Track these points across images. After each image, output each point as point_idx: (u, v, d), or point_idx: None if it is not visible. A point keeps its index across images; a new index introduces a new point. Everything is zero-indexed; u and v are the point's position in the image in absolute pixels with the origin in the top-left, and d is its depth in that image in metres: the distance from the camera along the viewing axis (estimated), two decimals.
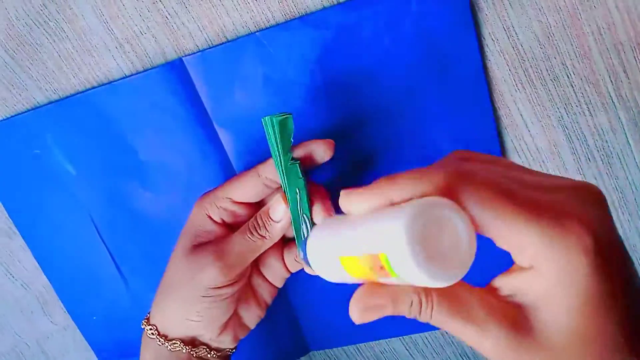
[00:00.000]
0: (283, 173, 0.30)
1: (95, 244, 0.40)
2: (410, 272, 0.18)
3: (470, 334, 0.21)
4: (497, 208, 0.19)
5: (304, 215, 0.32)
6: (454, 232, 0.19)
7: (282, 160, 0.30)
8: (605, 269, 0.19)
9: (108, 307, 0.42)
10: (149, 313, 0.35)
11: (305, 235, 0.32)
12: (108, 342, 0.43)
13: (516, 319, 0.20)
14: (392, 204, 0.20)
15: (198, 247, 0.33)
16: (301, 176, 0.31)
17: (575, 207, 0.19)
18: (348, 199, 0.22)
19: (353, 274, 0.22)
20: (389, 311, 0.22)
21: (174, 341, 0.33)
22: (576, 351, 0.20)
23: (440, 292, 0.21)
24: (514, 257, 0.20)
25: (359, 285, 0.23)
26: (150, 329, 0.34)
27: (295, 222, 0.32)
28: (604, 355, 0.20)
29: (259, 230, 0.32)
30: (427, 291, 0.21)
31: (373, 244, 0.20)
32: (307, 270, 0.31)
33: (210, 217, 0.33)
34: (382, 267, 0.19)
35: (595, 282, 0.19)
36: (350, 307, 0.22)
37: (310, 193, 0.32)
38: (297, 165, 0.30)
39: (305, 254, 0.27)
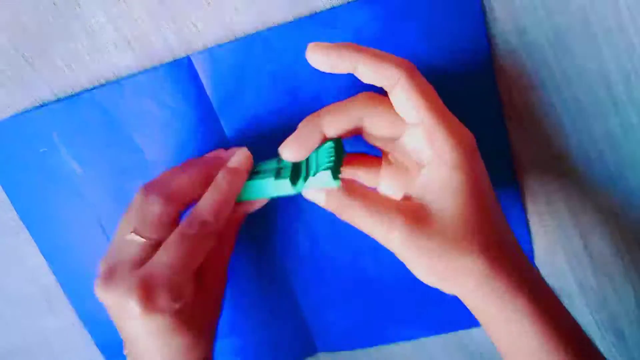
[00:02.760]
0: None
1: (102, 242, 0.40)
2: None
3: (379, 229, 0.26)
4: (436, 107, 0.26)
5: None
6: None
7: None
8: (479, 174, 0.27)
9: None
10: None
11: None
12: (114, 339, 0.44)
13: (417, 214, 0.26)
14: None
15: None
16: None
17: (464, 129, 0.27)
18: (317, 55, 0.26)
19: None
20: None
21: None
22: (462, 233, 0.26)
23: (353, 192, 0.27)
24: (423, 149, 0.26)
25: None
26: None
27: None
28: (481, 235, 0.26)
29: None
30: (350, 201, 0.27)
31: None
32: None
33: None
34: None
35: (474, 182, 0.26)
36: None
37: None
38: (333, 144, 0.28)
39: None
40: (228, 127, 0.36)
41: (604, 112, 0.34)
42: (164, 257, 0.28)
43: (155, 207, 0.29)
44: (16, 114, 0.38)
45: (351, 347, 0.42)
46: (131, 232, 0.29)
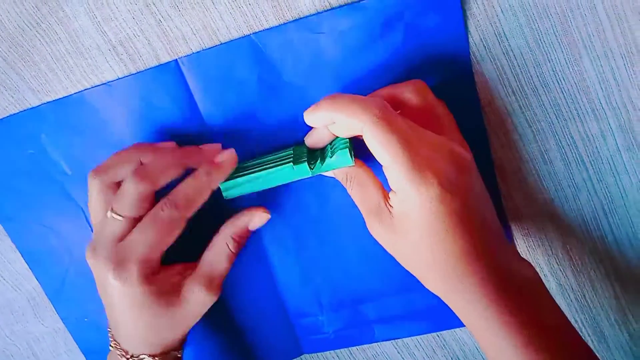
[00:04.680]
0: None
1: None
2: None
3: (364, 213, 0.32)
4: (396, 153, 0.27)
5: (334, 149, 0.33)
6: None
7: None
8: (443, 210, 0.28)
9: (100, 308, 0.42)
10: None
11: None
12: (98, 344, 0.43)
13: (387, 218, 0.30)
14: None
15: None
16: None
17: (440, 165, 0.28)
18: (306, 118, 0.31)
19: None
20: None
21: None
22: (412, 256, 0.30)
23: (358, 180, 0.32)
24: (389, 182, 0.29)
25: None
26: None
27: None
28: (437, 268, 0.29)
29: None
30: (351, 175, 0.32)
31: None
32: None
33: None
34: None
35: (432, 218, 0.28)
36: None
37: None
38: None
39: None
40: (215, 129, 0.36)
41: (583, 117, 0.34)
42: (137, 235, 0.32)
43: (131, 187, 0.32)
44: (2, 118, 0.38)
45: (336, 347, 0.42)
46: (109, 211, 0.32)
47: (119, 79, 0.36)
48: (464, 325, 0.39)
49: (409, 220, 0.29)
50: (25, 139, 0.38)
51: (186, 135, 0.37)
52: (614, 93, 0.34)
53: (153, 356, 0.34)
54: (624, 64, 0.33)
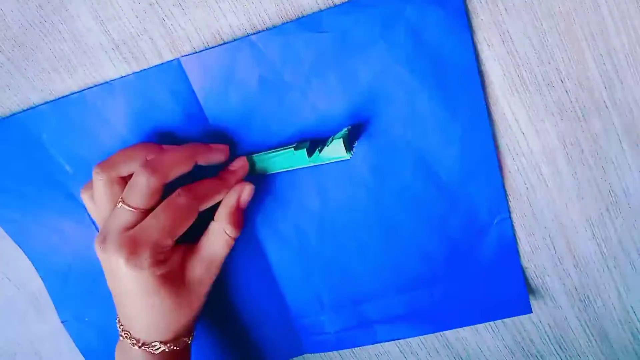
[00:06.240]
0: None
1: (93, 243, 0.40)
2: None
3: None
4: None
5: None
6: None
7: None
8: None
9: (101, 308, 0.42)
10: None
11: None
12: (97, 344, 0.43)
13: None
14: None
15: None
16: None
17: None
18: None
19: None
20: None
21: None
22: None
23: None
24: None
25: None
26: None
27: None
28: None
29: None
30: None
31: None
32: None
33: None
34: None
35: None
36: None
37: None
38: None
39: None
40: (217, 128, 0.36)
41: (587, 116, 0.34)
42: (151, 220, 0.32)
43: (142, 179, 0.32)
44: (4, 117, 0.38)
45: (338, 347, 0.42)
46: (120, 202, 0.33)
47: (121, 77, 0.36)
48: (467, 325, 0.40)
49: None
50: (27, 139, 0.38)
51: (189, 134, 0.37)
52: (617, 92, 0.34)
53: (165, 343, 0.35)
54: (627, 63, 0.33)
